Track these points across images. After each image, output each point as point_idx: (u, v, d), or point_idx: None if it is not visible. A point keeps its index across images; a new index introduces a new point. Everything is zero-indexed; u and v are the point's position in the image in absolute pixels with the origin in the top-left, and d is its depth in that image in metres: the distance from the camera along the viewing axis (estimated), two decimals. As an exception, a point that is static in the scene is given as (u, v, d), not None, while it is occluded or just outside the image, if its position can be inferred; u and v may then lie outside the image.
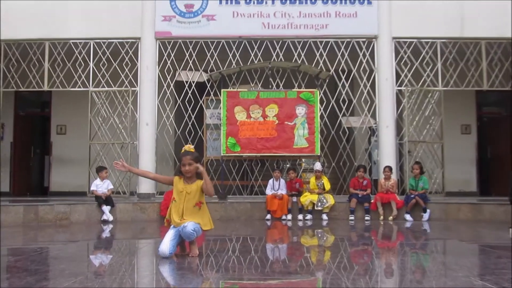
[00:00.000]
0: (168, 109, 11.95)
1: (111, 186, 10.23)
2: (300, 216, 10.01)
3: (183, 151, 5.20)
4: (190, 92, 11.88)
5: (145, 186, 11.29)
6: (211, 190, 5.17)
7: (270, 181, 10.52)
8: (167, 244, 5.04)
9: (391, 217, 9.96)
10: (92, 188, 10.19)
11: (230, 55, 11.77)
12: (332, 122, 11.99)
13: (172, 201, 5.23)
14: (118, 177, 11.48)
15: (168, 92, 11.91)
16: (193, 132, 11.79)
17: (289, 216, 10.01)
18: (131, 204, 10.00)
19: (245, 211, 10.08)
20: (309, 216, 9.97)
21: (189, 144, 5.32)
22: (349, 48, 11.66)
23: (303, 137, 11.12)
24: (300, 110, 11.18)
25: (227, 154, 11.26)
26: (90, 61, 11.76)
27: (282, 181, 10.48)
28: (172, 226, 5.21)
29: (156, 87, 11.70)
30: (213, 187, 5.18)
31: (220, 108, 11.41)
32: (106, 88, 11.74)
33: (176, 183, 5.22)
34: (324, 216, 9.97)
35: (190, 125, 11.87)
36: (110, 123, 11.69)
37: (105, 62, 11.73)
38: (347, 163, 11.98)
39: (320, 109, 11.44)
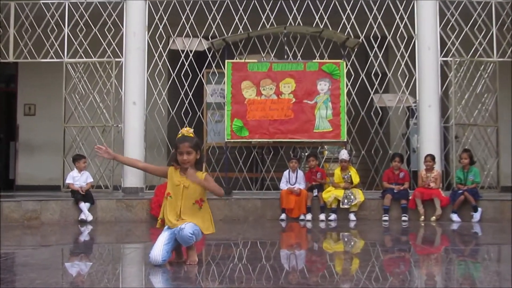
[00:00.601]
0: (160, 84, 11.89)
1: (91, 179, 10.29)
2: (322, 216, 10.07)
3: (179, 135, 5.25)
4: (187, 64, 11.82)
5: (132, 179, 11.27)
6: (219, 191, 5.31)
7: (286, 173, 10.56)
8: (159, 249, 5.09)
9: (434, 217, 9.97)
10: (67, 181, 10.21)
11: (236, 19, 11.75)
12: (362, 100, 11.93)
13: (166, 198, 5.29)
14: (99, 167, 11.45)
15: (160, 64, 11.84)
16: (190, 113, 11.71)
17: (309, 216, 10.07)
18: (115, 200, 10.08)
19: (254, 210, 10.15)
20: (333, 216, 10.03)
21: (187, 127, 5.38)
22: (383, 10, 11.65)
23: (326, 119, 11.18)
24: (323, 86, 11.22)
25: (232, 140, 11.26)
26: (64, 26, 11.72)
27: (300, 173, 10.53)
28: (166, 227, 5.26)
29: (146, 57, 11.65)
30: (219, 188, 5.31)
31: (224, 83, 11.40)
32: (84, 59, 11.71)
33: (171, 175, 5.29)
34: (352, 216, 10.04)
35: (186, 104, 11.80)
36: (89, 102, 11.70)
37: (83, 27, 11.72)
38: (380, 151, 11.94)
39: (347, 85, 11.41)
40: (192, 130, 5.29)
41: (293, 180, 10.41)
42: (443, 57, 11.54)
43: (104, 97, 11.60)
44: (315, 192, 10.21)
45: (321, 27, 11.63)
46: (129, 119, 11.48)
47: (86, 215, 9.65)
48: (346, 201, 10.08)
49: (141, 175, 11.31)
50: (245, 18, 11.65)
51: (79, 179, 10.11)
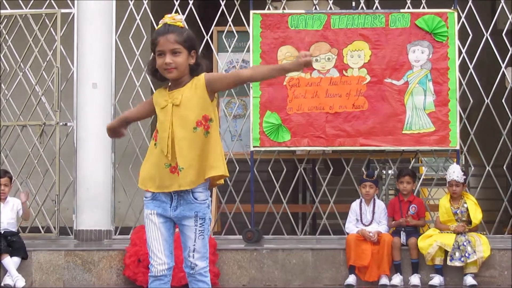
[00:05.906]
0: (138, 53, 10.29)
1: (22, 210, 8.75)
2: (417, 279, 8.46)
3: (160, 26, 4.48)
4: (184, 17, 10.09)
5: (92, 216, 9.66)
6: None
7: (355, 205, 9.05)
8: (161, 247, 4.40)
9: None
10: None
11: None
12: (486, 79, 10.25)
13: (153, 143, 4.32)
14: (34, 196, 9.84)
15: (138, 18, 10.20)
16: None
17: (396, 279, 8.47)
18: (63, 253, 8.78)
19: (301, 269, 8.76)
20: (437, 279, 8.43)
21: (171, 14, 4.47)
22: None
23: (424, 112, 9.51)
24: (418, 54, 9.53)
25: (262, 149, 9.65)
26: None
27: (380, 204, 9.06)
28: (150, 201, 4.23)
29: (114, 8, 9.98)
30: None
31: (247, 50, 9.93)
32: (10, 11, 10.13)
33: (156, 99, 4.49)
34: (470, 280, 8.40)
35: (185, 85, 10.00)
36: (16, 83, 10.00)
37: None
38: (518, 167, 10.22)
39: (460, 52, 9.58)
40: (181, 17, 4.54)
41: (367, 218, 8.98)
42: None
43: (43, 75, 9.91)
44: (404, 238, 8.62)
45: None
46: (86, 113, 9.94)
47: (14, 278, 8.20)
48: (458, 254, 8.49)
49: (108, 208, 9.74)
50: None
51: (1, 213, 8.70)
